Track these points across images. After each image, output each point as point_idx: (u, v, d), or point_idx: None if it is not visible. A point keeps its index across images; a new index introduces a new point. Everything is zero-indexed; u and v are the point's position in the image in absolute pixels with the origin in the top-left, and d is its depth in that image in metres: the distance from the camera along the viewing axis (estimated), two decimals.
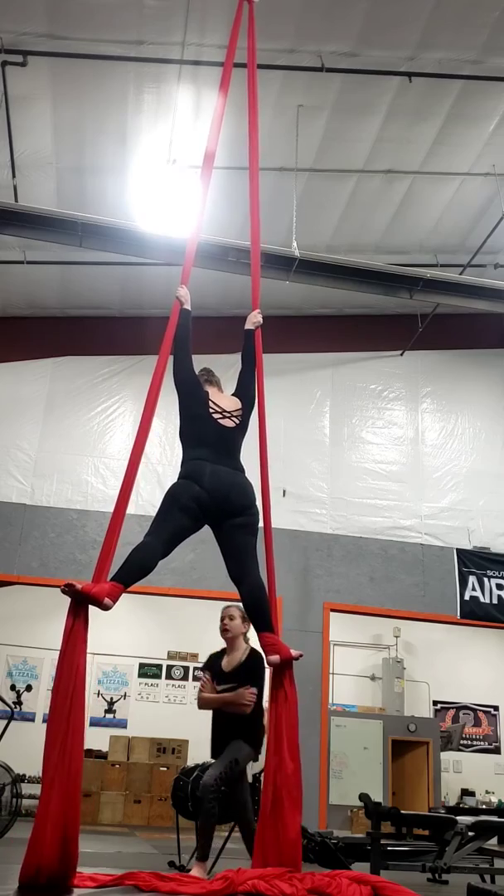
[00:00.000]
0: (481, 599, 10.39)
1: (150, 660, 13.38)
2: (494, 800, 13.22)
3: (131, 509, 10.92)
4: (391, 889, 3.43)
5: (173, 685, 13.39)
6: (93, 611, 3.76)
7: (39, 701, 13.43)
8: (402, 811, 5.82)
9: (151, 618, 12.81)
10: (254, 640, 4.52)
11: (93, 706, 13.17)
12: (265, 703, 4.63)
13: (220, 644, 5.09)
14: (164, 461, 9.90)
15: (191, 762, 6.19)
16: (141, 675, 13.38)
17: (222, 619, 5.01)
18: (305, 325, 11.14)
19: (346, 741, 10.74)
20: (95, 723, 12.92)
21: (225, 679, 4.84)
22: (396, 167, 8.92)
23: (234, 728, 4.77)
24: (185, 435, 4.40)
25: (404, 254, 10.03)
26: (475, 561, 10.52)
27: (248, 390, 4.58)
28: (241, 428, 4.45)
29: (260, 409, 4.55)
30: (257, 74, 5.31)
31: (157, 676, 13.37)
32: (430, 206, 9.52)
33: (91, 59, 7.25)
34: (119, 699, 13.16)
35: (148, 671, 13.42)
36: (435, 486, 10.93)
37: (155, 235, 8.13)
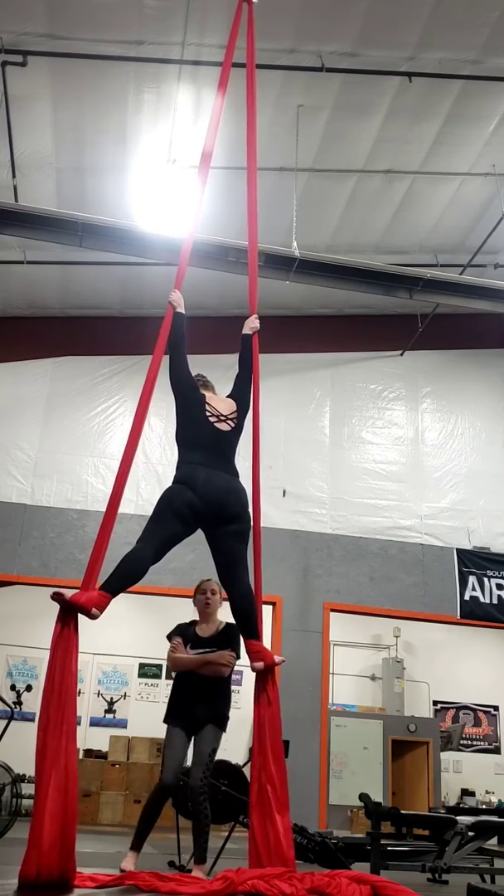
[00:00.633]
0: (481, 599, 10.38)
1: (150, 660, 13.38)
2: (494, 800, 13.22)
3: (131, 509, 10.98)
4: (391, 889, 3.43)
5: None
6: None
7: (39, 701, 13.43)
8: (402, 811, 5.83)
9: (151, 618, 12.78)
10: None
11: (93, 706, 13.18)
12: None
13: None
14: (165, 461, 9.90)
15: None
16: (141, 675, 13.38)
17: (204, 592, 4.93)
18: (305, 325, 11.14)
19: (346, 741, 10.74)
20: (95, 723, 12.93)
21: (202, 644, 4.79)
22: (396, 167, 8.92)
23: (205, 703, 4.66)
24: (180, 438, 4.40)
25: (404, 254, 10.03)
26: (475, 561, 10.52)
27: (243, 394, 4.59)
28: (237, 431, 4.45)
29: (255, 417, 4.56)
30: (257, 74, 5.32)
31: (157, 676, 13.37)
32: (430, 206, 9.52)
33: (91, 59, 7.25)
34: (119, 699, 13.17)
35: (148, 671, 13.42)
36: (435, 486, 10.93)
37: (155, 235, 8.13)
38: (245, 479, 4.31)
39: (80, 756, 11.83)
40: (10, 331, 10.64)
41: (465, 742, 14.24)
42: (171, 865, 5.27)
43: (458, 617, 10.30)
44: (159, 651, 13.50)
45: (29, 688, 13.19)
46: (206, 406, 4.39)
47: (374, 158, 8.73)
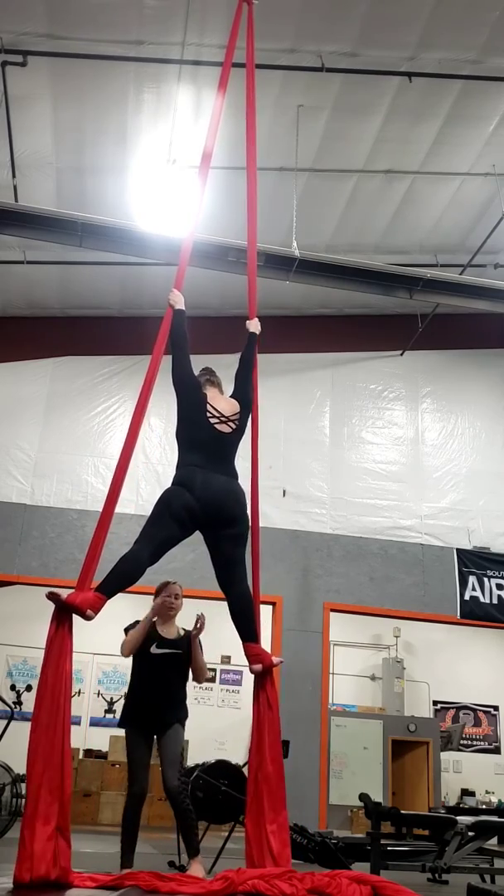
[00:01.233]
0: (481, 599, 10.38)
1: None
2: (494, 800, 13.22)
3: (131, 509, 10.96)
4: (391, 889, 3.43)
5: None
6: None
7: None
8: (402, 811, 5.83)
9: None
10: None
11: (93, 706, 13.18)
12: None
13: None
14: (165, 461, 9.91)
15: (191, 762, 6.17)
16: None
17: (170, 595, 4.92)
18: (305, 325, 11.14)
19: (346, 741, 10.74)
20: (95, 723, 12.93)
21: (167, 644, 4.80)
22: (396, 167, 8.92)
23: (170, 704, 4.69)
24: (181, 437, 4.37)
25: (404, 254, 10.03)
26: (475, 561, 10.52)
27: (246, 394, 4.56)
28: (239, 432, 4.42)
29: (254, 417, 4.56)
30: (257, 74, 5.32)
31: None
32: (430, 206, 9.52)
33: (91, 59, 7.25)
34: (119, 699, 13.16)
35: None
36: (435, 486, 10.93)
37: (155, 235, 8.13)
38: (244, 480, 4.31)
39: (80, 756, 11.83)
40: (10, 331, 10.64)
41: (465, 742, 14.24)
42: (171, 865, 5.27)
43: (458, 617, 10.30)
44: None
45: (29, 688, 13.18)
46: (208, 407, 4.35)
47: (374, 158, 8.73)
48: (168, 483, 4.22)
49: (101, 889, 3.54)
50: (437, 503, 10.83)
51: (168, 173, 8.37)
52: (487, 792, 13.54)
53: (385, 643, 14.22)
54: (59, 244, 8.36)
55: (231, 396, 4.56)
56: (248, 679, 14.51)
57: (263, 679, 4.20)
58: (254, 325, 4.82)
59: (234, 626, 4.22)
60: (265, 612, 10.11)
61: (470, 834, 5.43)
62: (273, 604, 9.82)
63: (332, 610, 10.02)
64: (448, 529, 10.70)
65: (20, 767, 8.05)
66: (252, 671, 4.20)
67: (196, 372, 4.54)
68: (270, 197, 8.32)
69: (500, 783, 13.88)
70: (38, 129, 7.91)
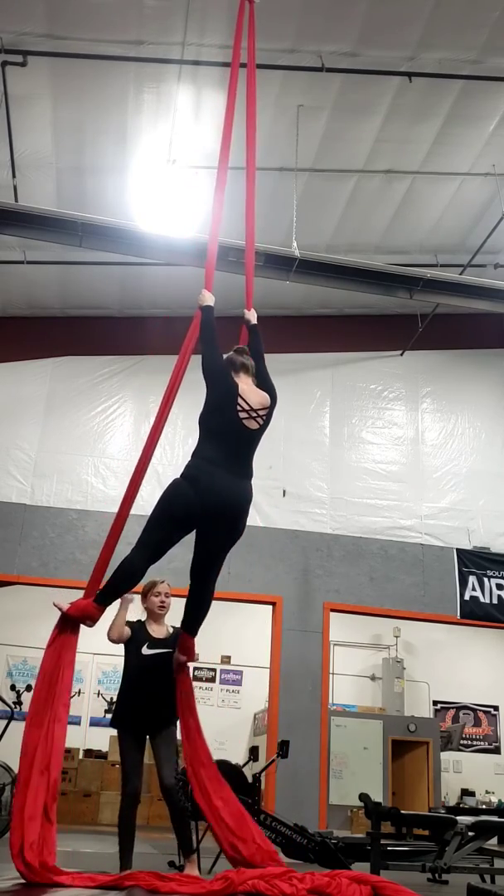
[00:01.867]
0: (481, 599, 10.38)
1: None
2: (494, 800, 13.23)
3: (132, 509, 10.92)
4: (391, 889, 3.43)
5: None
6: None
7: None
8: (402, 811, 5.83)
9: None
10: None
11: (93, 706, 13.18)
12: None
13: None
14: (165, 461, 9.89)
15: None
16: None
17: (159, 595, 4.95)
18: (305, 325, 11.14)
19: (346, 741, 10.74)
20: (95, 723, 12.94)
21: (157, 644, 4.81)
22: (396, 167, 8.92)
23: (164, 703, 4.68)
24: (203, 424, 4.21)
25: (404, 254, 10.03)
26: (475, 561, 10.52)
27: (272, 388, 4.40)
28: (263, 429, 4.27)
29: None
30: (257, 74, 5.33)
31: None
32: (430, 206, 9.52)
33: (91, 59, 7.25)
34: None
35: None
36: (435, 486, 10.93)
37: (155, 235, 8.13)
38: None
39: (80, 756, 11.85)
40: (10, 331, 10.64)
41: (465, 742, 14.24)
42: (172, 865, 5.27)
43: (458, 617, 10.30)
44: None
45: (29, 688, 13.10)
46: (239, 400, 4.15)
47: (374, 158, 8.73)
48: (168, 483, 4.20)
49: (102, 889, 3.55)
50: (437, 503, 10.83)
51: (168, 173, 8.37)
52: (487, 792, 13.55)
53: (385, 643, 14.23)
54: (59, 244, 8.36)
55: (258, 386, 4.38)
56: (248, 679, 14.58)
57: (184, 668, 4.57)
58: (254, 316, 4.77)
59: (190, 615, 4.38)
60: (265, 612, 10.17)
61: (470, 834, 5.43)
62: (273, 604, 9.82)
63: (332, 610, 10.02)
64: (448, 529, 10.70)
65: None
66: (178, 660, 4.50)
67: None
68: (270, 197, 8.32)
69: (500, 783, 13.89)
70: (38, 129, 7.91)
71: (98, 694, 13.11)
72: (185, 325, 4.54)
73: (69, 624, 3.99)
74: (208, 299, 4.49)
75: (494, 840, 5.96)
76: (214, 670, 13.80)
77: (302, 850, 5.32)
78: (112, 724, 4.87)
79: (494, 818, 6.34)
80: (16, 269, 9.74)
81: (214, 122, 7.72)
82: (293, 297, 10.45)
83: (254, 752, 6.73)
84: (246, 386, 4.27)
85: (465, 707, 14.58)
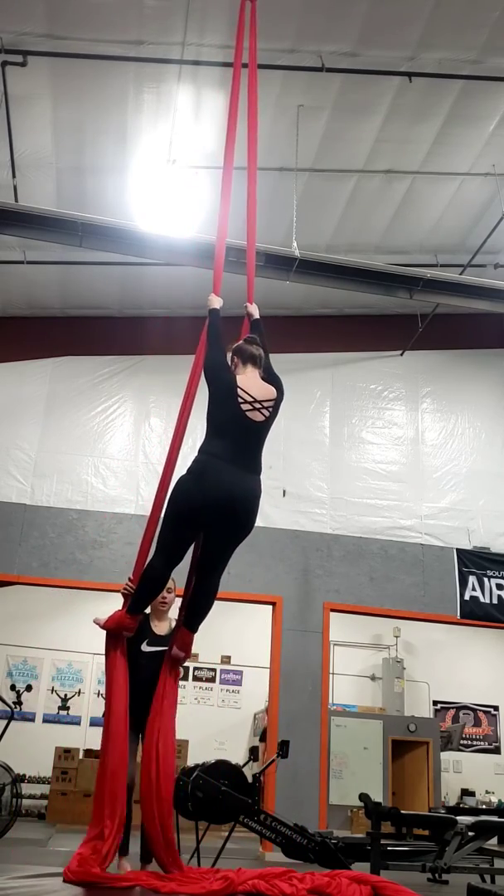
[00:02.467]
0: (481, 599, 10.38)
1: None
2: (494, 800, 13.24)
3: (130, 509, 10.92)
4: (391, 889, 3.44)
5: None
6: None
7: (39, 701, 13.45)
8: (402, 811, 5.83)
9: None
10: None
11: (93, 706, 13.18)
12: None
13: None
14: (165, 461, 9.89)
15: (191, 762, 6.18)
16: None
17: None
18: (305, 325, 11.14)
19: (346, 741, 10.74)
20: (96, 723, 12.91)
21: (158, 642, 4.79)
22: (396, 167, 8.91)
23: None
24: (209, 419, 4.18)
25: (404, 254, 10.03)
26: (475, 561, 10.52)
27: (274, 376, 4.38)
28: (270, 421, 4.23)
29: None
30: (258, 74, 5.34)
31: None
32: (430, 206, 9.52)
33: (91, 59, 7.24)
34: None
35: None
36: (435, 486, 10.93)
37: (155, 235, 8.13)
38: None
39: (81, 756, 11.83)
40: (10, 331, 10.63)
41: (465, 742, 14.25)
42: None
43: (458, 617, 10.29)
44: None
45: (29, 688, 13.20)
46: (238, 392, 4.12)
47: (374, 158, 8.72)
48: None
49: (102, 889, 3.55)
50: (437, 503, 10.83)
51: (168, 173, 8.37)
52: (487, 792, 13.55)
53: (385, 643, 14.24)
54: (59, 244, 8.35)
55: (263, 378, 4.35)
56: (248, 679, 14.56)
57: (176, 666, 4.60)
58: (256, 310, 4.81)
59: (192, 611, 4.45)
60: (265, 612, 10.16)
61: (470, 834, 5.44)
62: (273, 604, 9.82)
63: (332, 610, 10.02)
64: (448, 529, 10.69)
65: (20, 767, 8.07)
66: (174, 655, 4.51)
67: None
68: (270, 197, 8.32)
69: (500, 783, 13.89)
70: (38, 129, 7.91)
71: (98, 694, 13.10)
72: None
73: (111, 636, 4.35)
74: (215, 303, 4.56)
75: (494, 840, 5.97)
76: (214, 670, 13.80)
77: (302, 850, 5.31)
78: None
79: (494, 818, 6.35)
80: (16, 269, 9.74)
81: (214, 122, 7.73)
82: (293, 297, 10.44)
83: (254, 752, 6.75)
84: (247, 378, 4.25)
85: (465, 707, 14.59)
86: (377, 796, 8.60)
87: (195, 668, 13.22)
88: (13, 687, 13.15)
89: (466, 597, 10.34)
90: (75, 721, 13.38)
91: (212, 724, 13.02)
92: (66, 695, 13.43)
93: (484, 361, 11.76)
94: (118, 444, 10.28)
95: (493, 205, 9.27)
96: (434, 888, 5.59)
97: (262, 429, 4.19)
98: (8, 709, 8.95)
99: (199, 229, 8.16)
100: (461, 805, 12.75)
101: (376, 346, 11.39)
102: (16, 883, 3.58)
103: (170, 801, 4.23)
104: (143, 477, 9.99)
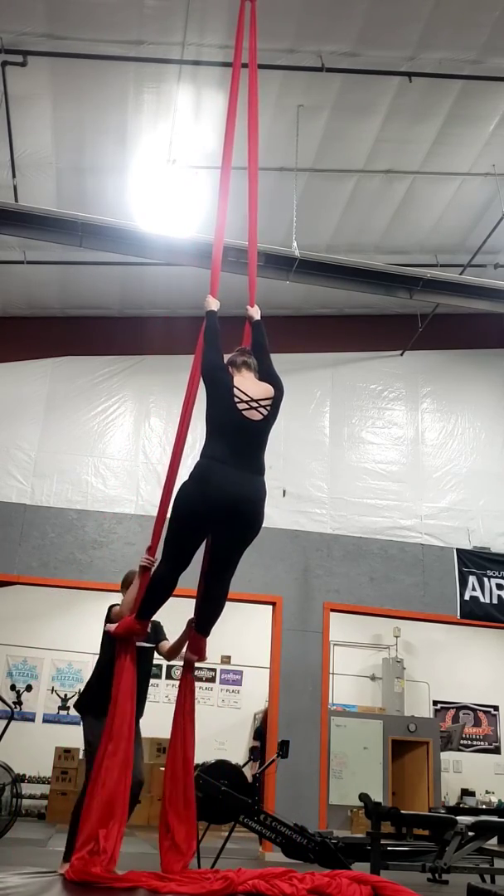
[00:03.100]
0: (481, 599, 10.38)
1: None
2: (494, 800, 13.24)
3: (130, 509, 10.91)
4: (391, 889, 3.43)
5: (174, 685, 13.37)
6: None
7: (39, 701, 13.45)
8: (402, 811, 5.83)
9: (156, 617, 12.79)
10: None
11: None
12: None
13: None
14: (165, 461, 9.84)
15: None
16: None
17: None
18: (305, 325, 11.13)
19: (346, 741, 10.74)
20: None
21: (146, 638, 4.89)
22: (396, 167, 8.91)
23: (143, 698, 4.93)
24: (207, 422, 4.18)
25: (404, 254, 10.03)
26: (475, 561, 10.52)
27: (275, 377, 4.37)
28: (270, 420, 4.22)
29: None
30: (258, 74, 5.34)
31: (158, 676, 13.37)
32: (430, 206, 9.52)
33: (91, 59, 7.24)
34: None
35: None
36: (435, 486, 10.93)
37: (155, 235, 8.13)
38: None
39: (81, 756, 11.83)
40: (10, 331, 10.63)
41: (465, 742, 14.25)
42: None
43: (458, 617, 10.29)
44: None
45: (29, 688, 13.20)
46: (235, 391, 4.12)
47: (374, 158, 8.72)
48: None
49: (102, 889, 3.55)
50: (437, 503, 10.83)
51: (168, 173, 8.37)
52: (487, 792, 13.55)
53: (385, 643, 14.24)
54: (59, 244, 8.35)
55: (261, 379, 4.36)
56: (248, 679, 14.56)
57: (191, 669, 4.64)
58: (257, 312, 4.80)
59: (203, 615, 4.52)
60: (265, 612, 10.16)
61: (470, 834, 5.44)
62: (273, 604, 9.82)
63: (332, 610, 10.02)
64: (448, 529, 10.69)
65: (20, 767, 8.07)
66: (189, 659, 4.57)
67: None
68: (270, 197, 8.32)
69: (500, 783, 13.89)
70: (38, 129, 7.91)
71: None
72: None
73: (121, 640, 4.39)
74: (213, 305, 4.55)
75: (494, 840, 5.97)
76: (214, 670, 13.81)
77: (302, 850, 5.32)
78: (92, 711, 4.91)
79: (494, 818, 6.36)
80: (16, 269, 9.74)
81: (214, 122, 7.73)
82: (293, 297, 10.45)
83: (254, 752, 6.75)
84: (243, 378, 4.26)
85: (465, 707, 14.59)
86: (377, 796, 8.60)
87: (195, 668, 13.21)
88: (13, 687, 13.15)
89: (466, 597, 10.34)
90: (75, 721, 13.31)
91: (212, 724, 13.01)
92: (66, 695, 13.43)
93: (484, 361, 11.77)
94: (118, 444, 10.28)
95: (493, 205, 9.27)
96: (434, 888, 5.59)
97: (262, 428, 4.19)
98: (8, 709, 8.96)
99: (199, 229, 8.16)
100: (461, 805, 12.75)
101: (376, 346, 11.39)
102: (16, 883, 3.58)
103: (193, 804, 4.32)
104: (143, 477, 9.98)
